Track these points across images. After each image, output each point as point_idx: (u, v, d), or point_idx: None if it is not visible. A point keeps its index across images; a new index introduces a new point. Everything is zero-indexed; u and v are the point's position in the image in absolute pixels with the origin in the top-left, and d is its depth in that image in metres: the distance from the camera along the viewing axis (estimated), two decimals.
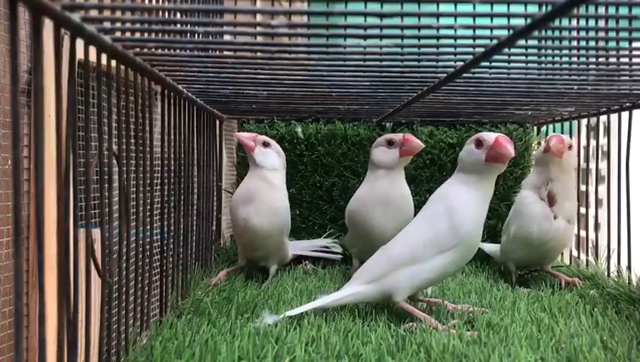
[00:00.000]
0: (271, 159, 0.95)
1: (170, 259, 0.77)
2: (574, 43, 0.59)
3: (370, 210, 0.90)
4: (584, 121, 1.12)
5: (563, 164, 0.90)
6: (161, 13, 0.60)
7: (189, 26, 0.53)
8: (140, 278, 0.64)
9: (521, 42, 0.51)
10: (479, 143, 0.71)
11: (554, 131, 1.22)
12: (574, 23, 0.75)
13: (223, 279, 0.93)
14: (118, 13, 0.49)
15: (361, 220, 0.92)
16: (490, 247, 1.09)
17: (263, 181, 0.93)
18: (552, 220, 0.90)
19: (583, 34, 0.58)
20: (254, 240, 0.93)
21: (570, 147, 0.91)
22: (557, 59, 0.66)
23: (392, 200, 0.90)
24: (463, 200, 0.70)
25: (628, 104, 0.89)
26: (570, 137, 1.01)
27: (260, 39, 0.63)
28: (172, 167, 0.76)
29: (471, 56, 0.56)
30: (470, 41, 0.53)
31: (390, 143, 0.90)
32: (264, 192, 0.92)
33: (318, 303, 0.72)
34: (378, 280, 0.72)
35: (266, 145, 0.95)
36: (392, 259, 0.72)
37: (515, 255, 0.95)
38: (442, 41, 0.54)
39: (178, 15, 0.65)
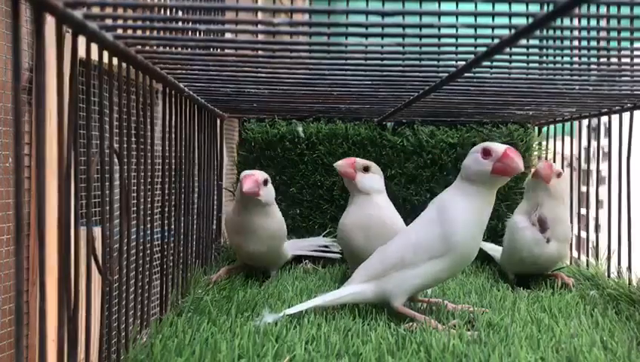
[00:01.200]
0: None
1: (171, 258, 0.77)
2: (576, 43, 0.59)
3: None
4: (585, 122, 1.12)
5: (551, 190, 0.90)
6: (162, 10, 0.60)
7: (190, 23, 0.53)
8: (140, 276, 0.64)
9: (523, 42, 0.51)
10: (487, 153, 0.68)
11: (555, 131, 1.22)
12: (576, 22, 0.75)
13: (223, 276, 0.93)
14: (120, 11, 0.49)
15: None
16: (492, 248, 1.09)
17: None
18: (543, 245, 0.90)
19: (584, 34, 0.58)
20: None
21: (559, 175, 0.92)
22: (558, 59, 0.66)
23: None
24: (458, 209, 0.69)
25: (629, 105, 0.89)
26: (571, 140, 1.01)
27: (261, 37, 0.63)
28: (173, 166, 0.76)
29: (472, 56, 0.56)
30: (472, 40, 0.53)
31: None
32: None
33: (317, 301, 0.72)
34: (373, 280, 0.72)
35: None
36: (384, 259, 0.73)
37: (511, 268, 0.96)
38: (444, 40, 0.54)
39: (180, 13, 0.65)
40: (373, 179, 0.90)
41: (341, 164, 0.89)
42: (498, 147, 0.69)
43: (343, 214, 0.93)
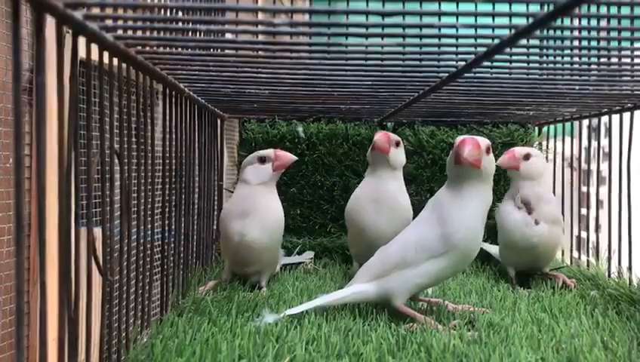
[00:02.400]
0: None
1: (171, 258, 0.77)
2: (576, 43, 0.59)
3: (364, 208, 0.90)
4: (585, 122, 1.12)
5: (523, 174, 0.92)
6: (163, 11, 0.60)
7: (190, 24, 0.53)
8: (140, 277, 0.64)
9: (523, 42, 0.51)
10: (452, 145, 0.71)
11: (555, 132, 1.22)
12: (576, 22, 0.75)
13: (211, 289, 0.87)
14: (120, 11, 0.49)
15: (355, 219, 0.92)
16: (491, 248, 1.09)
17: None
18: (533, 226, 0.91)
19: (584, 34, 0.58)
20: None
21: (526, 157, 0.93)
22: (559, 59, 0.66)
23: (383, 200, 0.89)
24: (453, 207, 0.69)
25: (629, 105, 0.89)
26: (572, 139, 1.02)
27: (261, 38, 0.63)
28: (173, 166, 0.76)
29: (472, 56, 0.56)
30: (472, 41, 0.53)
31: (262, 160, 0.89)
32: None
33: (318, 302, 0.72)
34: (375, 279, 0.72)
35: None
36: (385, 259, 0.73)
37: (510, 261, 0.96)
38: (444, 41, 0.54)
39: (180, 13, 0.65)
40: (402, 154, 0.94)
41: (381, 139, 0.90)
42: (458, 138, 0.70)
43: (357, 189, 0.94)
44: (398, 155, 0.92)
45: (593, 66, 0.68)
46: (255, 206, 0.86)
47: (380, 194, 0.90)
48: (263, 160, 0.89)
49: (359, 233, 0.92)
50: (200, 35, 0.70)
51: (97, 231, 0.54)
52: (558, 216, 0.95)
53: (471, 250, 0.71)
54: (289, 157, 0.90)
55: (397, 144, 0.92)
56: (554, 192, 1.15)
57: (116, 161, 0.57)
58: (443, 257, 0.69)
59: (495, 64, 0.66)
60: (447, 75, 0.66)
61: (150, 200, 0.66)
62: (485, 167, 0.69)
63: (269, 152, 0.89)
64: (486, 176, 0.71)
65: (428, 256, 0.69)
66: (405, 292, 0.71)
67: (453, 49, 0.57)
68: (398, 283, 0.70)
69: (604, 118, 0.99)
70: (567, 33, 0.59)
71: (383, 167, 0.91)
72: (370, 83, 0.75)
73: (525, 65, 0.68)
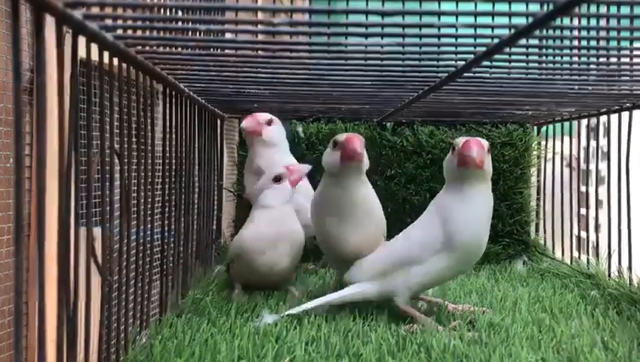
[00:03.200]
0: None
1: (171, 258, 0.77)
2: (575, 43, 0.59)
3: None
4: (584, 122, 1.12)
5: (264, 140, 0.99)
6: (162, 10, 0.60)
7: (190, 23, 0.53)
8: (140, 277, 0.64)
9: (522, 41, 0.51)
10: (453, 149, 0.69)
11: (554, 131, 1.22)
12: (575, 22, 0.75)
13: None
14: (120, 11, 0.49)
15: (316, 226, 0.82)
16: None
17: None
18: None
19: (584, 33, 0.58)
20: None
21: (269, 123, 0.97)
22: (558, 58, 0.66)
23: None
24: (457, 208, 0.69)
25: (628, 104, 0.89)
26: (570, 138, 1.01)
27: (261, 37, 0.63)
28: (173, 166, 0.76)
29: (472, 56, 0.56)
30: (471, 40, 0.53)
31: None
32: None
33: (319, 301, 0.72)
34: (377, 279, 0.72)
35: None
36: (388, 257, 0.72)
37: None
38: (443, 40, 0.54)
39: (180, 13, 0.65)
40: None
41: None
42: (460, 139, 0.69)
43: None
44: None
45: (592, 66, 0.68)
46: (283, 231, 0.83)
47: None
48: (278, 179, 0.85)
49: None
50: (200, 34, 0.70)
51: (97, 231, 0.54)
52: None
53: (475, 250, 0.70)
54: (303, 168, 0.88)
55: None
56: (553, 192, 1.16)
57: (116, 160, 0.56)
58: (447, 256, 0.69)
59: (494, 64, 0.66)
60: (446, 74, 0.66)
61: (150, 200, 0.66)
62: (486, 167, 0.69)
63: (281, 171, 0.86)
64: (487, 176, 0.70)
65: (431, 255, 0.69)
66: (408, 291, 0.70)
67: (453, 49, 0.57)
68: (400, 282, 0.70)
69: (603, 118, 0.99)
70: (566, 33, 0.59)
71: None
72: (369, 83, 0.75)
73: (525, 64, 0.68)
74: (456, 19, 0.47)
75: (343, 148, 0.72)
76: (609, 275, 0.94)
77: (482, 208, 0.70)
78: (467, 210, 0.68)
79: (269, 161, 0.96)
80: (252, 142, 1.00)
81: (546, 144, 1.22)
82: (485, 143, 0.69)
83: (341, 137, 0.73)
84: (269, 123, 0.98)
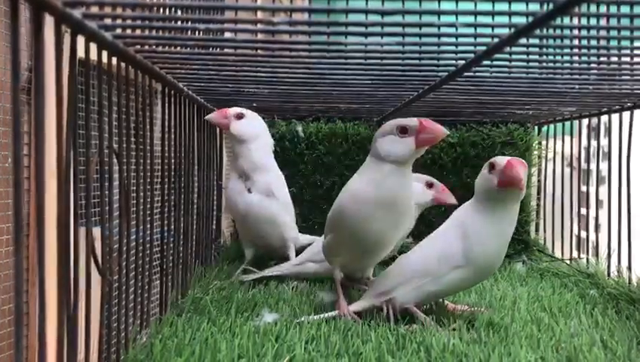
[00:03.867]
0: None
1: (171, 258, 0.77)
2: (576, 42, 0.58)
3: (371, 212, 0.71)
4: (585, 121, 1.12)
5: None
6: (162, 10, 0.60)
7: (189, 23, 0.53)
8: (140, 276, 0.64)
9: (523, 41, 0.51)
10: (492, 167, 0.67)
11: (555, 131, 1.22)
12: (576, 21, 0.74)
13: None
14: (119, 10, 0.48)
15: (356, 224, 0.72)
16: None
17: None
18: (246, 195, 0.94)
19: (584, 33, 0.58)
20: None
21: (239, 117, 0.92)
22: (558, 58, 0.66)
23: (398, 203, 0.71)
24: (476, 227, 0.68)
25: (629, 104, 0.89)
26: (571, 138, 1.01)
27: (260, 36, 0.63)
28: (172, 166, 0.76)
29: (472, 55, 0.56)
30: (471, 40, 0.53)
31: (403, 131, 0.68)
32: None
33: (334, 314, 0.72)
34: (390, 292, 0.71)
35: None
36: (405, 268, 0.72)
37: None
38: (443, 40, 0.54)
39: (179, 12, 0.65)
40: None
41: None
42: (501, 159, 0.66)
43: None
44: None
45: (593, 65, 0.68)
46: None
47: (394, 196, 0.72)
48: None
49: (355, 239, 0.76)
50: (199, 33, 0.70)
51: (96, 231, 0.54)
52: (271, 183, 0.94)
53: (493, 267, 0.70)
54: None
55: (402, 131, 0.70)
56: (553, 192, 1.15)
57: (115, 160, 0.56)
58: (465, 271, 0.68)
59: (495, 63, 0.66)
60: (446, 74, 0.66)
61: (149, 199, 0.66)
62: (524, 187, 0.67)
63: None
64: (521, 197, 0.68)
65: (449, 269, 0.69)
66: (416, 299, 0.70)
67: (453, 48, 0.57)
68: (412, 291, 0.70)
69: (604, 118, 0.98)
70: (566, 32, 0.59)
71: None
72: (369, 82, 0.75)
73: (525, 64, 0.67)
74: (456, 19, 0.47)
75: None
76: (608, 275, 0.94)
77: (509, 228, 0.69)
78: (494, 229, 0.67)
79: (247, 159, 0.93)
80: (229, 138, 0.96)
81: (547, 144, 1.22)
82: (525, 163, 0.67)
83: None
84: (239, 117, 0.92)
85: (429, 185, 0.94)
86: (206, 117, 0.93)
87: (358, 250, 0.75)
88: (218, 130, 1.14)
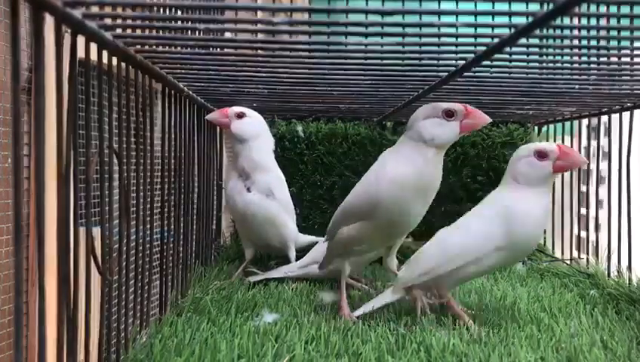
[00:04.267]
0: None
1: (170, 258, 0.77)
2: (576, 42, 0.59)
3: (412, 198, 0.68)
4: (585, 121, 1.12)
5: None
6: (162, 10, 0.60)
7: (190, 23, 0.53)
8: (140, 276, 0.64)
9: (523, 41, 0.51)
10: (543, 155, 0.69)
11: (555, 131, 1.22)
12: (576, 21, 0.74)
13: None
14: (119, 10, 0.49)
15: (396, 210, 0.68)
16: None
17: None
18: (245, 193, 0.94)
19: (584, 33, 0.58)
20: None
21: (239, 116, 0.92)
22: (558, 58, 0.66)
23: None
24: (521, 210, 0.69)
25: (629, 104, 0.89)
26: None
27: (261, 36, 0.63)
28: (172, 166, 0.76)
29: (472, 55, 0.56)
30: (471, 40, 0.53)
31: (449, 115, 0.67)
32: None
33: (387, 299, 0.73)
34: (429, 272, 0.70)
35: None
36: (447, 252, 0.71)
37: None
38: (443, 40, 0.54)
39: (179, 12, 0.65)
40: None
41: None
42: (551, 146, 0.70)
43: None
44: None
45: (593, 65, 0.68)
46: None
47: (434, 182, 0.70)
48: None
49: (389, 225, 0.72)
50: (199, 33, 0.70)
51: (96, 231, 0.54)
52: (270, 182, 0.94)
53: (530, 249, 0.74)
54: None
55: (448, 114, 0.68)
56: (553, 192, 1.15)
57: (115, 160, 0.56)
58: (505, 252, 0.69)
59: (495, 63, 0.66)
60: (446, 74, 0.65)
61: (149, 199, 0.66)
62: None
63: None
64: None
65: (492, 250, 0.69)
66: (455, 284, 0.74)
67: (453, 48, 0.57)
68: (450, 275, 0.70)
69: (604, 118, 0.98)
70: (566, 32, 0.59)
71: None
72: (369, 82, 0.75)
73: (525, 64, 0.68)
74: (457, 19, 0.47)
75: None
76: (608, 275, 0.94)
77: (547, 207, 0.73)
78: (538, 211, 0.70)
79: (247, 158, 0.93)
80: (230, 137, 0.96)
81: None
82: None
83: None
84: (240, 116, 0.92)
85: None
86: (207, 116, 0.92)
87: (388, 236, 0.74)
88: (218, 130, 1.14)
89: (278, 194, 0.95)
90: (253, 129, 0.94)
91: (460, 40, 0.53)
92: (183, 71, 0.70)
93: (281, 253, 0.99)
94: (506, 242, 0.69)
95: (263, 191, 0.94)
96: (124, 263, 0.59)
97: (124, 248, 0.59)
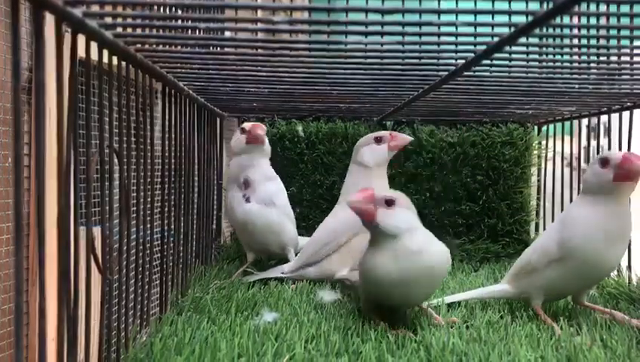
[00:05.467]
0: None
1: (171, 257, 0.77)
2: (575, 41, 0.59)
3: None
4: (585, 121, 1.12)
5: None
6: (162, 8, 0.60)
7: (190, 22, 0.53)
8: (140, 276, 0.64)
9: (523, 40, 0.51)
10: (605, 162, 0.68)
11: (554, 131, 1.22)
12: (575, 20, 0.75)
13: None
14: (120, 9, 0.48)
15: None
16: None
17: None
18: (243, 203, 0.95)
19: (584, 32, 0.58)
20: None
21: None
22: (558, 57, 0.66)
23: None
24: (579, 217, 0.68)
25: (628, 104, 0.89)
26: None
27: (261, 35, 0.63)
28: (172, 165, 0.76)
29: (472, 54, 0.56)
30: (471, 39, 0.53)
31: None
32: None
33: (474, 294, 0.77)
34: (513, 280, 0.75)
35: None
36: (518, 262, 0.75)
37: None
38: (443, 39, 0.54)
39: (179, 11, 0.65)
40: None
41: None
42: (615, 154, 0.68)
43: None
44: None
45: (593, 65, 0.68)
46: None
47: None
48: (379, 140, 0.89)
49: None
50: (199, 32, 0.70)
51: (96, 231, 0.54)
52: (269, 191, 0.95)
53: (594, 263, 0.68)
54: (406, 138, 0.90)
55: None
56: (553, 192, 1.15)
57: (115, 160, 0.56)
58: (561, 265, 0.69)
59: (495, 62, 0.66)
60: (446, 73, 0.66)
61: (149, 199, 0.66)
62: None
63: (384, 133, 0.90)
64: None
65: (547, 261, 0.70)
66: (537, 294, 0.72)
67: (453, 47, 0.57)
68: (528, 284, 0.72)
69: (604, 117, 0.98)
70: (566, 31, 0.59)
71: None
72: (369, 81, 0.75)
73: (525, 63, 0.67)
74: (456, 18, 0.47)
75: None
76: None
77: (619, 223, 0.68)
78: (600, 223, 0.67)
79: (258, 171, 0.95)
80: (244, 151, 0.96)
81: (547, 143, 1.22)
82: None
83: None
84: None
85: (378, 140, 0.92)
86: (255, 133, 0.93)
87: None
88: (219, 129, 1.15)
89: (278, 201, 0.96)
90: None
91: (460, 39, 0.53)
92: (183, 70, 0.70)
93: (281, 256, 0.99)
94: (560, 252, 0.68)
95: (263, 200, 0.94)
96: (125, 262, 0.59)
97: (125, 247, 0.59)
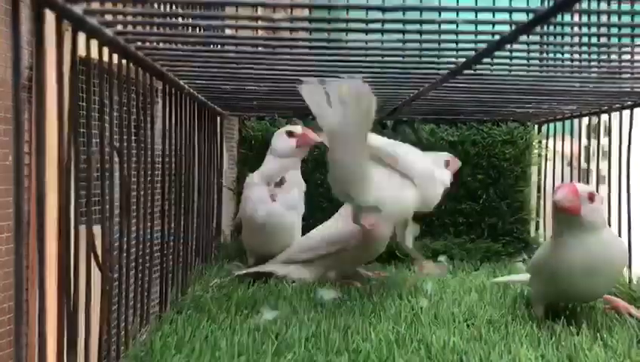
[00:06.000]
0: None
1: (171, 256, 0.77)
2: (576, 39, 0.58)
3: None
4: (585, 120, 1.12)
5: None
6: (163, 6, 0.60)
7: (190, 19, 0.53)
8: (140, 274, 0.64)
9: (523, 38, 0.51)
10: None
11: (555, 130, 1.22)
12: (576, 18, 0.74)
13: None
14: (120, 6, 0.48)
15: None
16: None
17: None
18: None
19: (585, 30, 0.58)
20: None
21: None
22: (559, 55, 0.66)
23: None
24: (547, 252, 0.71)
25: (629, 102, 0.88)
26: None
27: (261, 33, 0.62)
28: (173, 164, 0.76)
29: (473, 53, 0.56)
30: (472, 37, 0.53)
31: None
32: None
33: (522, 277, 0.81)
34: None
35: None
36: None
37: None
38: (444, 37, 0.54)
39: (180, 9, 0.65)
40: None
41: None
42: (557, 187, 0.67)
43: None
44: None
45: (593, 63, 0.68)
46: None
47: None
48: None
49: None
50: (200, 30, 0.70)
51: (97, 229, 0.54)
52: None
53: (565, 294, 0.70)
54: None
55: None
56: (553, 191, 1.15)
57: (116, 158, 0.56)
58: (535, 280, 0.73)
59: (495, 61, 0.66)
60: (447, 71, 0.65)
61: (150, 197, 0.66)
62: (586, 216, 0.64)
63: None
64: (589, 227, 0.64)
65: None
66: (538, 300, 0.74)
67: (454, 45, 0.57)
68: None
69: (604, 116, 0.98)
70: (567, 29, 0.59)
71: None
72: (370, 80, 0.75)
73: (525, 62, 0.67)
74: (457, 16, 0.47)
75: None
76: None
77: (576, 260, 0.65)
78: (558, 256, 0.67)
79: (295, 174, 0.99)
80: (292, 154, 0.97)
81: (547, 143, 1.22)
82: (585, 189, 0.65)
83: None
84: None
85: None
86: (310, 139, 0.96)
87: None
88: (219, 128, 1.14)
89: (300, 208, 0.98)
90: None
91: (461, 37, 0.53)
92: (183, 68, 0.70)
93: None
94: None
95: (287, 203, 0.95)
96: (125, 261, 0.59)
97: (125, 246, 0.59)
